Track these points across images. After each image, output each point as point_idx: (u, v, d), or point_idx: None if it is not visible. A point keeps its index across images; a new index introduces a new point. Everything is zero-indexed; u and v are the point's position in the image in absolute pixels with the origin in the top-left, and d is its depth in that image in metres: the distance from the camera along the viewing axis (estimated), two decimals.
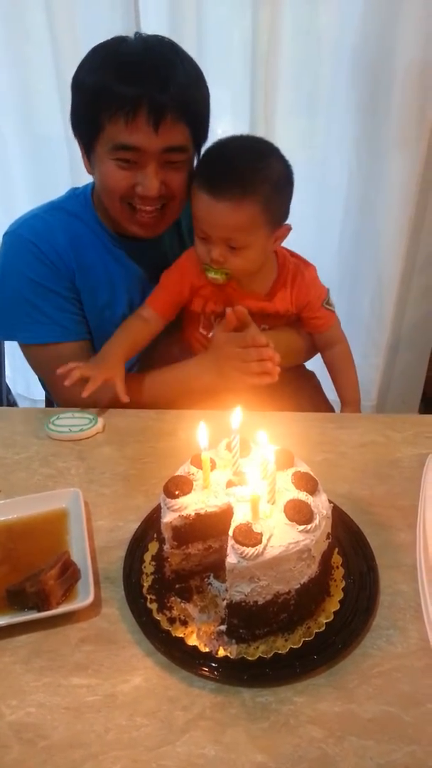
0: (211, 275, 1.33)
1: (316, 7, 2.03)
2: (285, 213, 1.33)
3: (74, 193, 1.49)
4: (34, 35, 2.09)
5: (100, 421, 1.31)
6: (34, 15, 2.08)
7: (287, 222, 1.35)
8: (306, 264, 1.49)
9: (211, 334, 1.43)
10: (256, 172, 1.24)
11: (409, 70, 2.02)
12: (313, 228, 2.30)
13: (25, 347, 1.47)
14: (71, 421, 1.31)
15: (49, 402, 1.57)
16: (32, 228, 1.40)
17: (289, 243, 1.50)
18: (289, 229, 1.36)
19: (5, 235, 1.43)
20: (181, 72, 1.23)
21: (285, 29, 2.04)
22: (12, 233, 1.42)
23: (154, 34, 1.28)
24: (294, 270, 1.45)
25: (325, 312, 1.50)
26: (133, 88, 1.18)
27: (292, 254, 1.49)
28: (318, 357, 1.61)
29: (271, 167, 1.27)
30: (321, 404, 1.63)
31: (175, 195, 1.32)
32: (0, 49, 2.14)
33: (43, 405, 1.64)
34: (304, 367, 1.68)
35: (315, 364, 1.65)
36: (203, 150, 1.33)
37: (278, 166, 1.28)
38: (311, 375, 1.69)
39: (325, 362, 1.60)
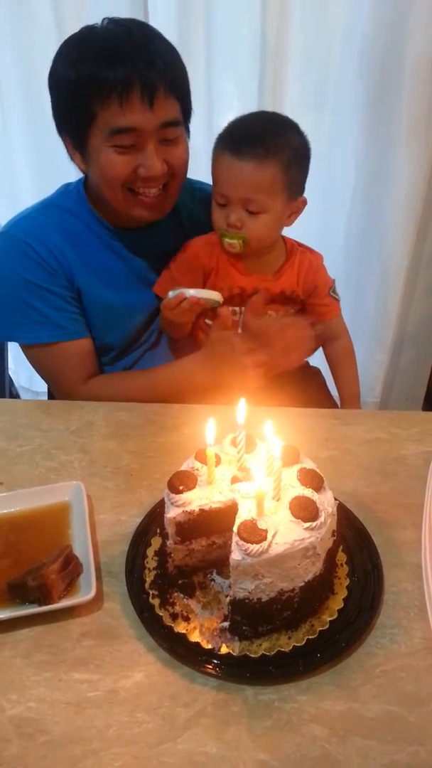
0: (228, 240, 1.34)
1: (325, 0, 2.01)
2: (302, 185, 1.37)
3: (66, 189, 1.46)
4: (40, 26, 2.08)
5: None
6: (40, 5, 2.06)
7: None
8: (313, 251, 1.52)
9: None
10: (278, 137, 1.29)
11: (418, 64, 2.00)
12: (318, 222, 2.27)
13: (25, 347, 1.46)
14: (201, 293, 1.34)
15: (52, 395, 1.56)
16: (25, 228, 1.39)
17: (295, 235, 1.50)
18: (304, 203, 1.39)
19: None
20: (163, 49, 1.23)
21: (293, 22, 2.02)
22: (5, 234, 1.40)
23: (125, 17, 1.27)
24: (301, 255, 1.48)
25: (331, 300, 1.52)
26: (122, 69, 1.17)
27: (300, 244, 1.51)
28: (321, 354, 1.61)
29: (292, 137, 1.32)
30: (326, 401, 1.63)
31: (176, 172, 1.32)
32: (6, 39, 2.12)
33: (45, 397, 1.63)
34: (308, 363, 1.68)
35: (319, 361, 1.64)
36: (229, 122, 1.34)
37: (298, 138, 1.33)
38: (316, 371, 1.68)
39: (327, 356, 1.60)
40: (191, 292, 1.31)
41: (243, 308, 1.41)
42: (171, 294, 1.32)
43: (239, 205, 1.30)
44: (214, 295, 1.33)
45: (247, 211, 1.31)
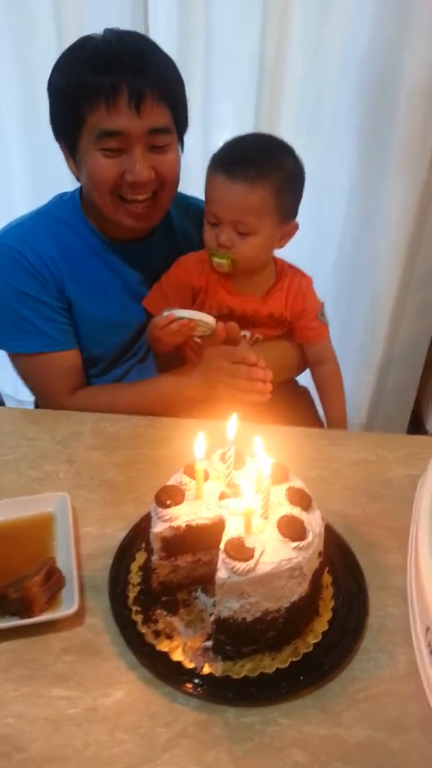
0: (216, 260, 1.34)
1: (324, 23, 2.03)
2: (295, 209, 1.37)
3: (61, 199, 1.46)
4: (40, 37, 2.09)
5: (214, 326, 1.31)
6: (40, 15, 2.07)
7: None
8: (303, 274, 1.52)
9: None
10: (271, 159, 1.29)
11: (413, 90, 2.02)
12: (310, 243, 2.29)
13: (12, 356, 1.45)
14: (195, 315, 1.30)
15: (38, 405, 1.55)
16: (17, 236, 1.38)
17: (286, 256, 1.51)
18: (296, 227, 1.39)
19: None
20: (156, 59, 1.24)
21: (292, 46, 2.04)
22: None
23: (125, 30, 1.28)
24: (291, 278, 1.48)
25: (319, 324, 1.52)
26: (110, 75, 1.18)
27: (290, 265, 1.51)
28: (309, 374, 1.61)
29: (286, 160, 1.32)
30: (314, 421, 1.63)
31: (166, 181, 1.31)
32: (5, 48, 2.13)
33: (31, 407, 1.61)
34: (296, 383, 1.68)
35: (308, 380, 1.64)
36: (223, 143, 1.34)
37: (293, 161, 1.33)
38: (304, 391, 1.69)
39: (314, 379, 1.60)
40: (183, 314, 1.29)
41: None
42: (165, 313, 1.29)
43: (229, 225, 1.31)
44: (208, 319, 1.30)
45: (237, 232, 1.31)
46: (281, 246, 1.41)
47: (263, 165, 1.27)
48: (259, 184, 1.26)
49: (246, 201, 1.27)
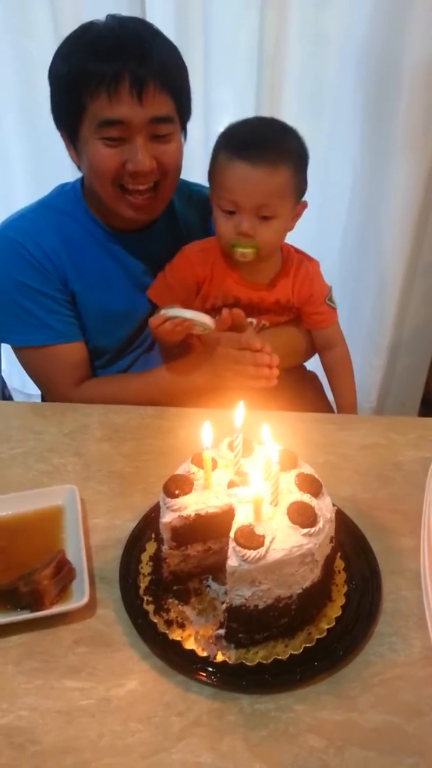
0: (241, 250, 1.31)
1: (324, 9, 2.01)
2: (305, 187, 1.35)
3: (63, 190, 1.45)
4: (38, 31, 2.07)
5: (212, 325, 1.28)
6: (38, 11, 2.05)
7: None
8: (310, 258, 1.50)
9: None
10: (285, 141, 1.29)
11: (415, 74, 1.99)
12: (315, 229, 2.27)
13: (17, 349, 1.44)
14: (192, 315, 1.27)
15: (44, 398, 1.54)
16: (19, 229, 1.37)
17: (292, 241, 1.49)
18: (305, 206, 1.37)
19: None
20: (158, 46, 1.22)
21: (292, 30, 2.01)
22: None
23: (127, 16, 1.26)
24: (298, 262, 1.46)
25: (327, 308, 1.50)
26: (112, 62, 1.16)
27: (297, 250, 1.49)
28: (318, 360, 1.60)
29: (295, 140, 1.31)
30: (323, 406, 1.62)
31: (168, 171, 1.29)
32: (3, 44, 2.12)
33: (38, 400, 1.61)
34: (305, 368, 1.67)
35: (317, 366, 1.63)
36: (224, 129, 1.32)
37: (299, 141, 1.32)
38: (313, 376, 1.68)
39: (324, 365, 1.59)
40: (177, 313, 1.26)
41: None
42: (162, 311, 1.27)
43: (252, 212, 1.28)
44: (204, 320, 1.27)
45: (259, 217, 1.28)
46: (292, 228, 1.39)
47: (280, 146, 1.26)
48: (281, 166, 1.25)
49: (270, 185, 1.25)
